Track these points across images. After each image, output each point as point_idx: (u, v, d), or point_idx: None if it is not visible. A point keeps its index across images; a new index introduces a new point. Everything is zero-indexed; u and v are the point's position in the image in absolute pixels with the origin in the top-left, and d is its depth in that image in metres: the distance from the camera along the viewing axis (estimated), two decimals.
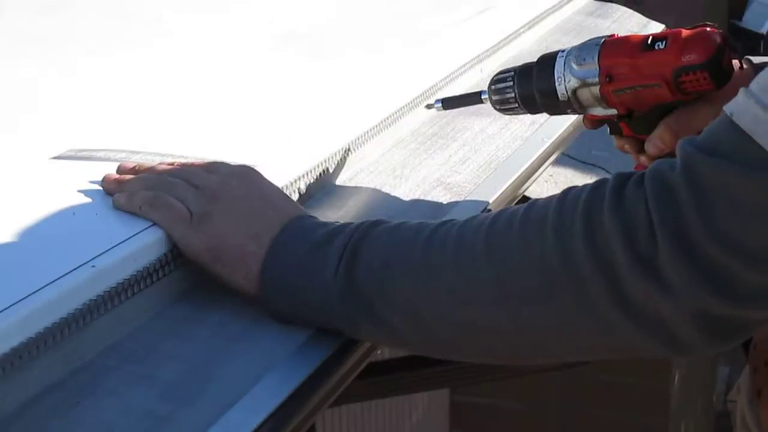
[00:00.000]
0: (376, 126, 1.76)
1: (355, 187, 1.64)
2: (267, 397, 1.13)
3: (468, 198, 1.65)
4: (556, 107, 1.55)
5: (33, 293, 1.14)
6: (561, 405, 4.50)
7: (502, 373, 3.29)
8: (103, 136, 1.60)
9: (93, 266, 1.22)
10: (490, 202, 1.64)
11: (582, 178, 3.07)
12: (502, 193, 1.68)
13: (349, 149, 1.67)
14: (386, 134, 1.80)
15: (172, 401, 1.12)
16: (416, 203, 1.62)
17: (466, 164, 1.76)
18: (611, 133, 1.57)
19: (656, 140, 1.46)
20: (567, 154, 3.05)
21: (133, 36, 2.10)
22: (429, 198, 1.64)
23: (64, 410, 1.08)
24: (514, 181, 1.73)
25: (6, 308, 1.11)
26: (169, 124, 1.67)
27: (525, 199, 2.54)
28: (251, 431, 1.07)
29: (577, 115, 1.59)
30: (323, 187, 1.60)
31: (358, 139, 1.71)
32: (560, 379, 4.30)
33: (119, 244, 1.27)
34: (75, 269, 1.20)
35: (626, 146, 1.55)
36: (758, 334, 1.35)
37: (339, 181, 1.64)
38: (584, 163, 3.12)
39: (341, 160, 1.64)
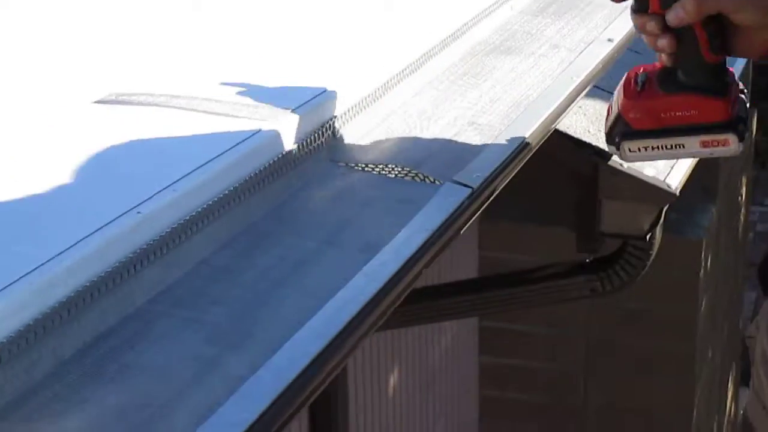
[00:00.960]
0: (406, 68, 1.79)
1: (388, 129, 1.68)
2: (312, 337, 1.18)
3: (499, 137, 1.68)
4: None
5: (80, 241, 1.19)
6: (588, 331, 4.55)
7: (530, 302, 3.34)
8: (140, 81, 1.64)
9: (138, 212, 1.26)
10: (521, 141, 1.67)
11: None
12: (532, 133, 1.71)
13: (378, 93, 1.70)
14: (417, 74, 1.83)
15: (219, 344, 1.16)
16: (448, 144, 1.65)
17: (497, 104, 1.79)
18: (636, 9, 1.48)
19: (678, 9, 1.41)
20: (596, 85, 3.06)
21: None
22: (461, 139, 1.67)
23: (118, 354, 1.13)
24: (544, 120, 1.76)
25: (54, 257, 1.15)
26: (203, 67, 1.71)
27: (556, 132, 2.56)
28: (297, 373, 1.12)
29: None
30: (357, 129, 1.64)
31: (389, 81, 1.74)
32: (587, 306, 4.34)
33: (163, 189, 1.31)
34: (121, 216, 1.24)
35: (648, 25, 1.46)
36: None
37: (372, 124, 1.67)
38: (612, 93, 3.13)
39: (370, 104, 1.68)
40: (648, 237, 3.01)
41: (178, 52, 1.77)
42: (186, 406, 1.07)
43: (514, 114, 1.76)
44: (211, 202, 1.34)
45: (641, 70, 1.53)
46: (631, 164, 2.83)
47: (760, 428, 1.27)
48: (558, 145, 2.92)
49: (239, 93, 1.58)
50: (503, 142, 1.67)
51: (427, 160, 1.60)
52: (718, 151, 1.49)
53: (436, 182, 1.54)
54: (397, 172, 1.56)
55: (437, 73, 1.87)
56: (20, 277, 1.11)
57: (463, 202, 1.49)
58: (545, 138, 1.83)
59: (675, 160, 3.06)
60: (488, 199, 1.58)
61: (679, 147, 1.49)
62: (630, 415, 4.55)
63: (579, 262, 3.20)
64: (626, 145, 1.51)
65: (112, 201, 1.27)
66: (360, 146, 1.61)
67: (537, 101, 1.81)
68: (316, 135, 1.54)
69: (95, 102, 1.57)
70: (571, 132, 2.98)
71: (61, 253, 1.15)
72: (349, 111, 1.62)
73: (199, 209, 1.32)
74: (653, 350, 4.47)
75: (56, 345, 1.11)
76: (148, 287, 1.23)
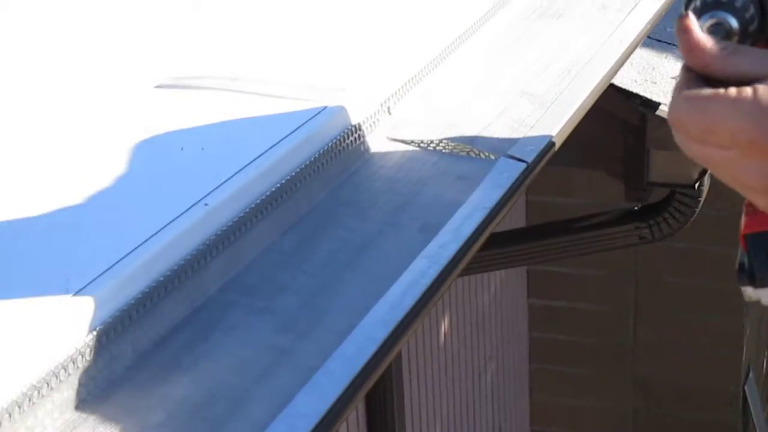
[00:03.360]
0: (455, 40, 1.81)
1: (441, 103, 1.70)
2: (378, 324, 1.22)
3: (551, 108, 1.71)
4: None
5: (152, 236, 1.23)
6: (636, 270, 4.57)
7: (581, 251, 3.37)
8: (197, 63, 1.68)
9: (206, 204, 1.30)
10: (573, 112, 1.69)
11: (658, 58, 3.09)
12: (583, 102, 1.73)
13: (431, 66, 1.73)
14: (466, 45, 1.85)
15: (289, 333, 1.21)
16: (501, 116, 1.68)
17: (547, 72, 1.81)
18: None
19: None
20: None
21: None
22: (513, 110, 1.69)
23: (193, 346, 1.18)
24: (595, 87, 1.78)
25: (128, 254, 1.19)
26: (253, 49, 1.74)
27: (612, 87, 2.56)
28: (365, 361, 1.16)
29: None
30: (410, 105, 1.67)
31: (439, 55, 1.76)
32: (637, 248, 4.36)
33: (228, 179, 1.35)
34: (189, 209, 1.28)
35: None
36: None
37: (425, 98, 1.70)
38: (659, 41, 3.14)
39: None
40: (697, 185, 3.03)
41: (227, 35, 1.80)
42: (260, 397, 1.11)
43: (564, 82, 1.78)
44: (274, 189, 1.38)
45: None
46: None
47: None
48: (606, 96, 2.94)
49: (293, 74, 1.61)
50: (556, 112, 1.69)
51: (481, 134, 1.62)
52: None
53: (491, 157, 1.57)
54: (452, 148, 1.59)
55: (486, 42, 1.89)
56: (102, 273, 1.15)
57: (518, 178, 1.52)
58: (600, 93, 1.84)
59: None
60: (540, 170, 1.61)
61: None
62: (680, 354, 4.59)
63: (628, 209, 3.23)
64: None
65: (179, 192, 1.32)
66: (415, 122, 1.64)
67: (586, 68, 1.83)
68: (372, 113, 1.58)
69: (156, 87, 1.60)
70: (618, 83, 3.00)
71: (137, 247, 1.20)
72: (403, 87, 1.65)
73: (263, 196, 1.36)
74: (702, 289, 4.50)
75: (135, 338, 1.16)
76: (218, 277, 1.27)
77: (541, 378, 4.74)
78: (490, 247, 3.34)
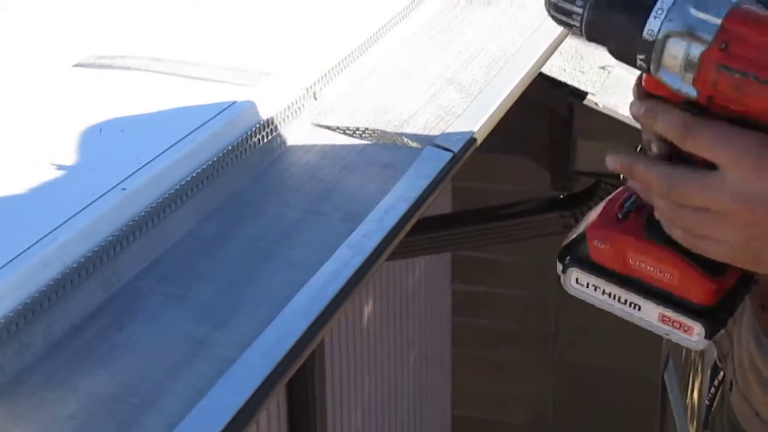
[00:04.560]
0: (385, 25, 1.79)
1: (369, 89, 1.68)
2: (299, 315, 1.19)
3: (479, 97, 1.69)
4: (626, 45, 1.01)
5: (67, 220, 1.19)
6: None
7: (505, 238, 3.37)
8: (117, 42, 1.63)
9: (123, 189, 1.26)
10: (501, 101, 1.68)
11: (587, 47, 3.09)
12: (511, 92, 1.71)
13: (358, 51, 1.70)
14: (396, 31, 1.83)
15: (206, 323, 1.18)
16: (428, 104, 1.66)
17: (476, 60, 1.79)
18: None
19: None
20: None
21: None
22: (441, 98, 1.67)
23: (107, 336, 1.15)
24: (523, 78, 1.77)
25: (41, 238, 1.15)
26: (181, 29, 1.70)
27: (540, 75, 2.56)
28: (284, 352, 1.14)
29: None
30: (337, 91, 1.64)
31: (368, 40, 1.73)
32: (560, 235, 4.38)
33: (147, 164, 1.31)
34: (106, 193, 1.25)
35: None
36: None
37: (353, 84, 1.67)
38: None
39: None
40: (622, 175, 3.03)
41: (149, 13, 1.76)
42: (175, 389, 1.08)
43: (493, 71, 1.77)
44: (195, 174, 1.35)
45: (632, 196, 1.14)
46: (605, 107, 2.84)
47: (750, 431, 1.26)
48: (534, 84, 2.93)
49: (218, 56, 1.58)
50: (483, 101, 1.67)
51: (408, 122, 1.60)
52: (675, 336, 1.13)
53: (417, 146, 1.55)
54: (378, 136, 1.56)
55: (416, 28, 1.87)
56: (13, 258, 1.11)
57: (444, 168, 1.50)
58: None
59: None
60: (466, 157, 1.60)
61: (633, 307, 1.14)
62: (601, 341, 4.62)
63: (553, 198, 3.23)
64: (574, 274, 1.17)
65: (97, 175, 1.28)
66: (341, 108, 1.61)
67: (515, 57, 1.82)
68: (298, 98, 1.55)
69: (74, 65, 1.56)
70: (546, 71, 2.98)
71: (51, 232, 1.16)
72: (329, 72, 1.63)
73: (184, 181, 1.33)
74: None
75: (46, 327, 1.13)
76: (135, 264, 1.24)
77: (463, 363, 4.75)
78: (416, 233, 3.32)
